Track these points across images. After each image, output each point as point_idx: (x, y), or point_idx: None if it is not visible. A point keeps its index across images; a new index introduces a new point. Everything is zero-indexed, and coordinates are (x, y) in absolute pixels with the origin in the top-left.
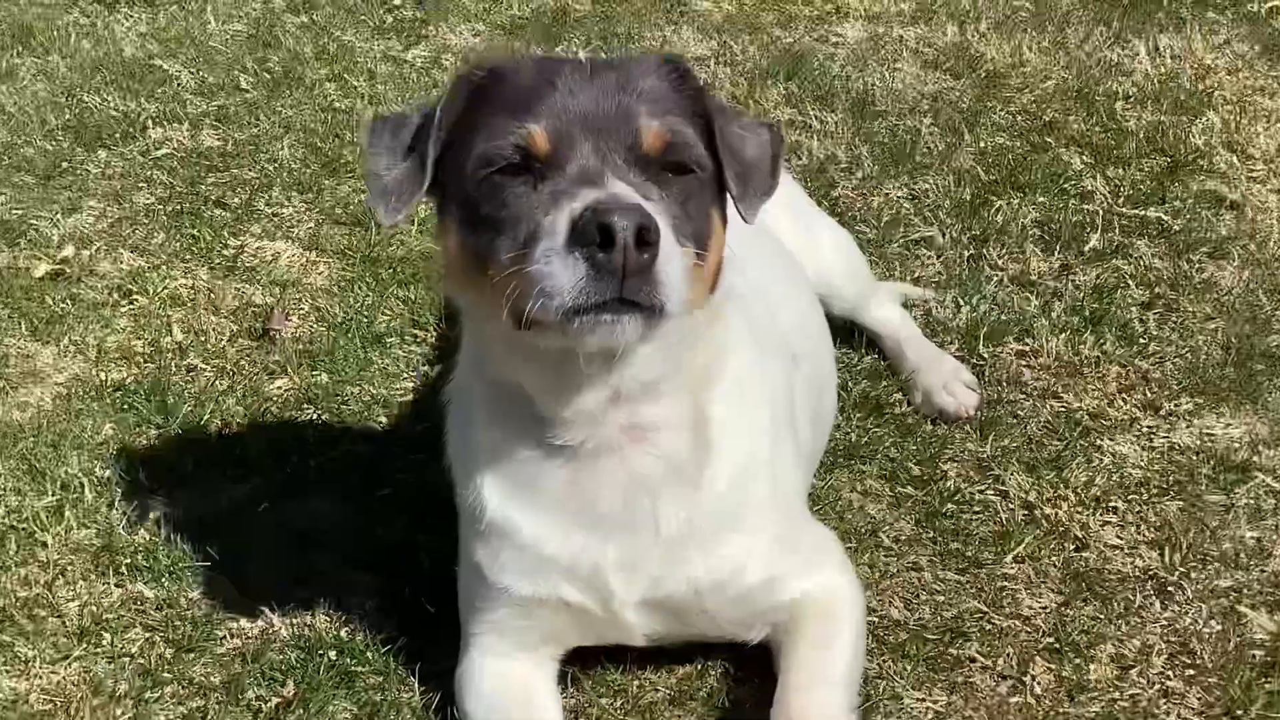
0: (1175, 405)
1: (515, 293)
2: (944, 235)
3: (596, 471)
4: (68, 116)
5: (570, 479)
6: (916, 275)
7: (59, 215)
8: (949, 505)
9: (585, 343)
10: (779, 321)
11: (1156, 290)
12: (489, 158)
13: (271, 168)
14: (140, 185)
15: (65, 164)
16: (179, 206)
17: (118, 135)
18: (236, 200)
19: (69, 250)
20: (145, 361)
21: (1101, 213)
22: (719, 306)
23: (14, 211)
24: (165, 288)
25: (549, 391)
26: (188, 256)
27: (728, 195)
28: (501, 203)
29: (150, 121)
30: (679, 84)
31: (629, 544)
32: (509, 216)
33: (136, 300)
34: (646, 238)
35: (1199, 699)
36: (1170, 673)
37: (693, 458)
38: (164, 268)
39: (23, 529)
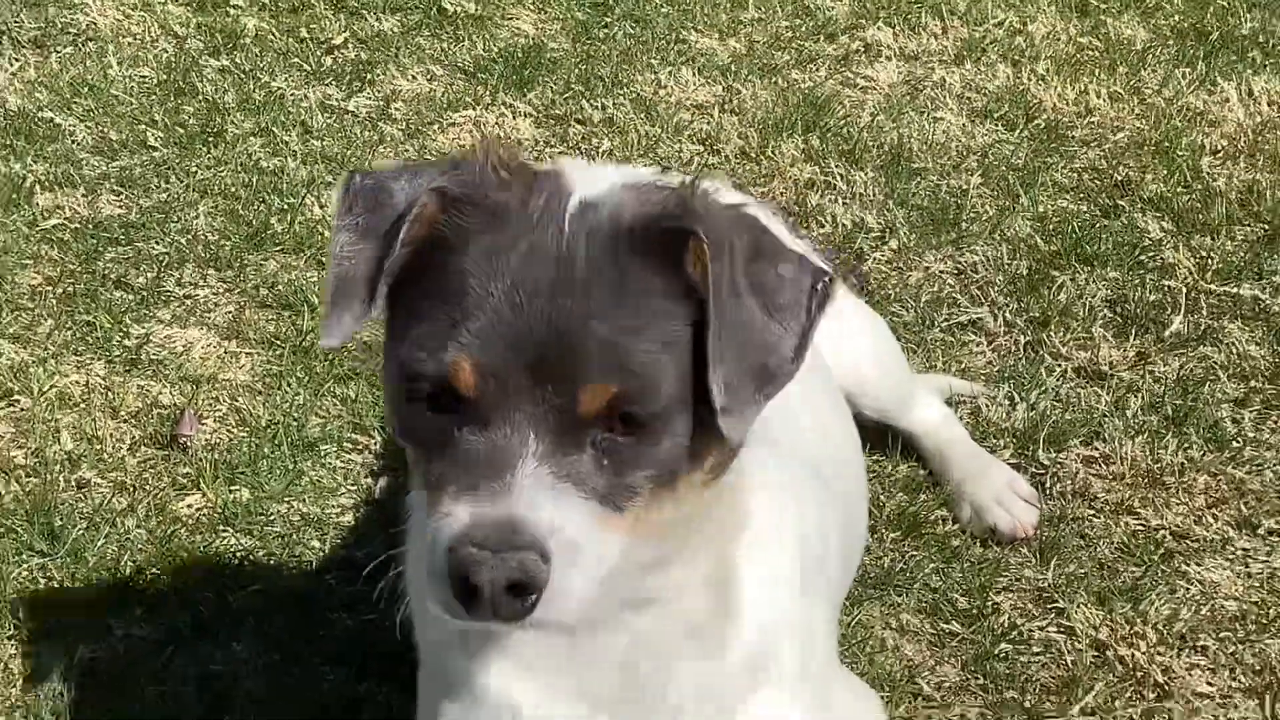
0: (1276, 523)
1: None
2: (996, 318)
3: (592, 639)
4: None
5: (563, 647)
6: (963, 366)
7: None
8: (1003, 645)
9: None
10: (799, 430)
11: (1253, 383)
12: (411, 374)
13: (184, 241)
14: (25, 262)
15: None
16: (71, 288)
17: None
18: (141, 280)
19: None
20: (28, 475)
21: (1185, 290)
22: (735, 476)
23: None
24: (53, 385)
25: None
26: (81, 348)
27: None
28: (418, 426)
29: (38, 186)
30: (670, 253)
31: (630, 715)
32: (417, 436)
33: (18, 401)
34: (523, 590)
35: None
36: None
37: (713, 619)
38: (52, 361)
39: None
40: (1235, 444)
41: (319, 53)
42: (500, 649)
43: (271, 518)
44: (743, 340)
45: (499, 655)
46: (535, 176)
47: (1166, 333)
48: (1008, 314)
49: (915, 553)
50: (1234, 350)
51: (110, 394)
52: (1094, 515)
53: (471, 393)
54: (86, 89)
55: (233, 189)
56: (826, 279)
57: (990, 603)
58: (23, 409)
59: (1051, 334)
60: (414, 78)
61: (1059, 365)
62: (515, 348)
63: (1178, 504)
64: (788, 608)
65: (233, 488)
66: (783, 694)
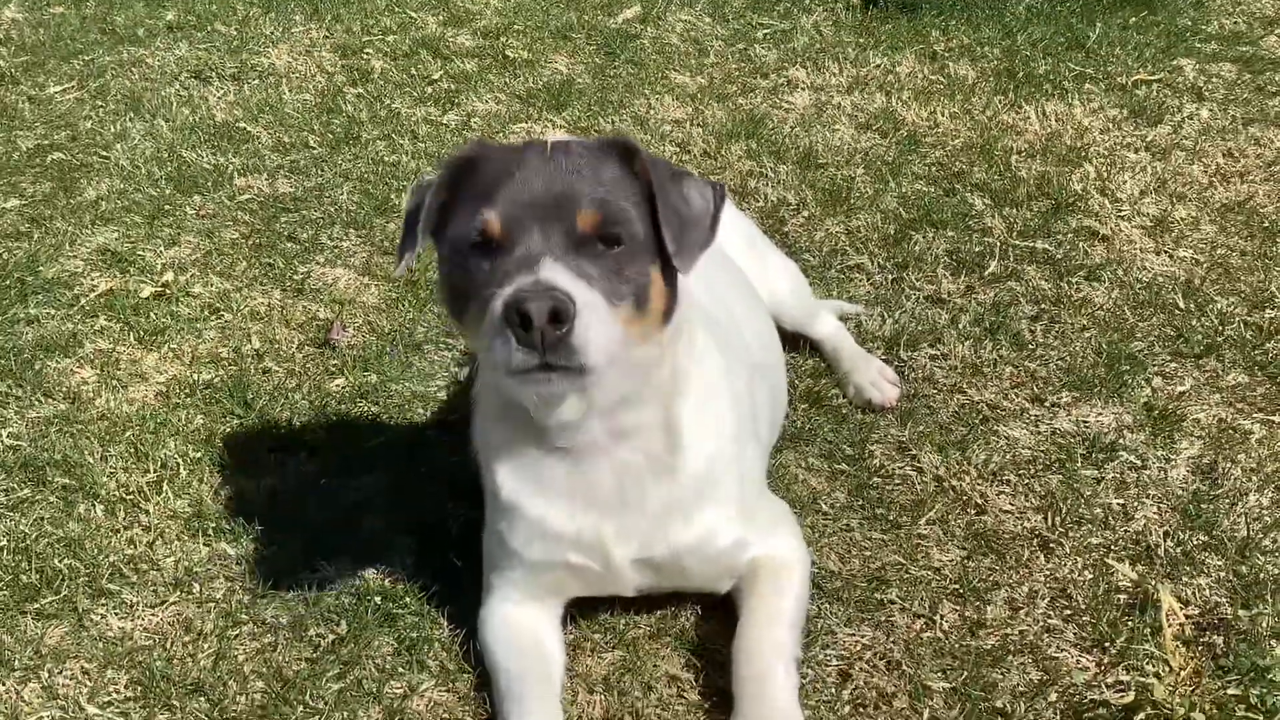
0: (1057, 398)
1: (479, 348)
2: (873, 262)
3: (589, 467)
4: (169, 169)
5: (569, 472)
6: (851, 294)
7: (161, 247)
8: (875, 479)
9: (526, 395)
10: (743, 335)
11: (1042, 306)
12: (458, 240)
13: (333, 209)
14: (227, 224)
15: (167, 207)
16: (258, 241)
17: (209, 184)
18: (305, 235)
19: (169, 276)
20: (230, 365)
21: (999, 244)
22: (675, 334)
23: (126, 244)
24: (246, 306)
25: (536, 408)
26: (265, 281)
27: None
28: (468, 274)
29: (236, 173)
30: (623, 162)
31: (622, 520)
32: (473, 285)
33: (223, 316)
34: (560, 317)
35: (1075, 634)
36: (1052, 613)
37: (667, 453)
38: (245, 290)
39: (129, 500)
40: (1030, 346)
41: (423, 84)
42: (531, 480)
43: (391, 394)
44: (679, 212)
45: (531, 485)
46: (517, 144)
47: (986, 272)
48: (880, 260)
49: (818, 418)
50: (1030, 284)
51: (284, 311)
52: (936, 393)
53: (499, 234)
54: (268, 108)
55: (366, 175)
56: (720, 185)
57: (867, 451)
58: (226, 321)
59: (910, 273)
60: (486, 101)
61: (914, 294)
62: (528, 204)
63: (992, 386)
64: (725, 447)
65: (365, 373)
66: (723, 507)
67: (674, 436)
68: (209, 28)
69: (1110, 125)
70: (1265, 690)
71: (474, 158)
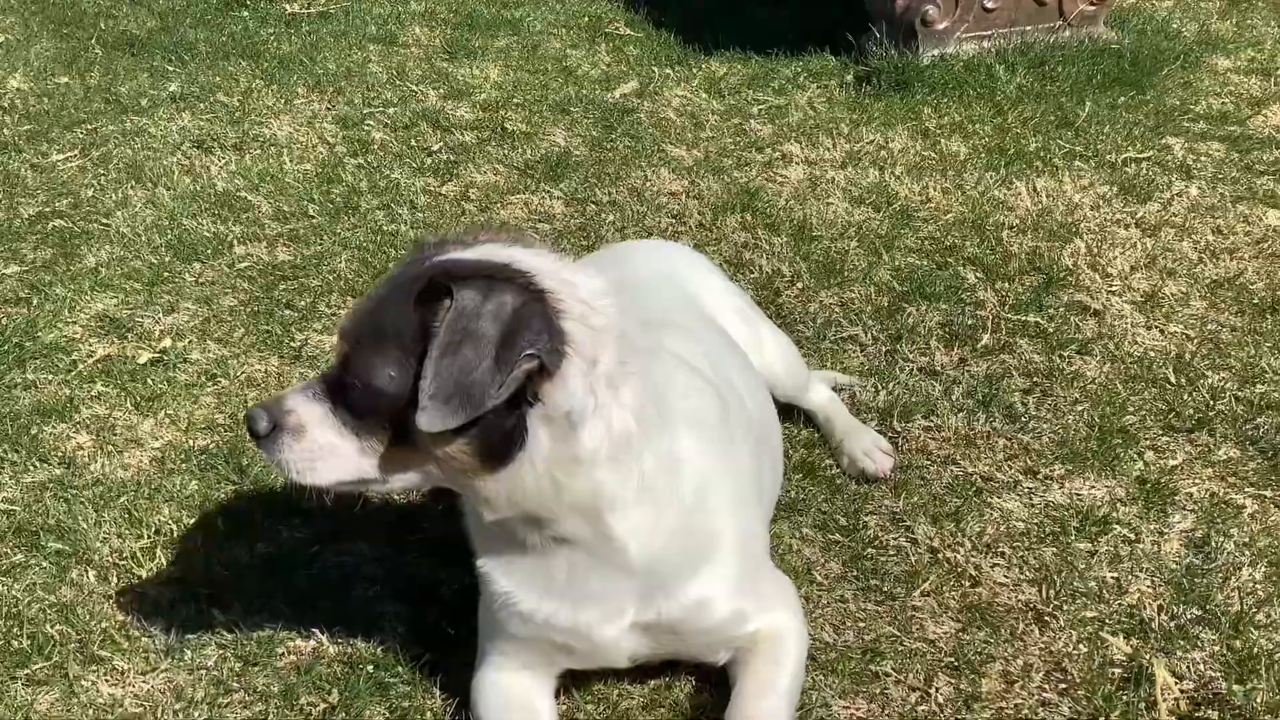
0: (1050, 471)
1: None
2: (867, 334)
3: (546, 562)
4: (169, 237)
5: (531, 563)
6: (844, 365)
7: (160, 314)
8: (869, 550)
9: None
10: (745, 406)
11: (1035, 379)
12: None
13: (332, 277)
14: (226, 291)
15: (166, 274)
16: (256, 308)
17: (209, 252)
18: (303, 303)
19: (167, 342)
20: (225, 431)
21: (991, 317)
22: (566, 465)
23: (124, 310)
24: (243, 372)
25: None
26: (262, 348)
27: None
28: None
29: (236, 241)
30: (430, 308)
31: (597, 606)
32: None
33: (220, 382)
34: (251, 428)
35: (1070, 708)
36: (1046, 686)
37: (614, 556)
38: (243, 356)
39: (122, 565)
40: (1023, 418)
41: (422, 155)
42: (504, 569)
43: None
44: (453, 369)
45: (501, 571)
46: (458, 242)
47: (979, 345)
48: (874, 332)
49: (812, 488)
50: (1022, 357)
51: (281, 377)
52: (930, 464)
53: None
54: (269, 177)
55: (365, 244)
56: (540, 360)
57: (861, 521)
58: (223, 387)
59: (903, 345)
60: (485, 172)
61: (908, 365)
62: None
63: (985, 458)
64: (715, 525)
65: None
66: (720, 579)
67: (611, 543)
68: (211, 98)
69: (1100, 202)
70: None
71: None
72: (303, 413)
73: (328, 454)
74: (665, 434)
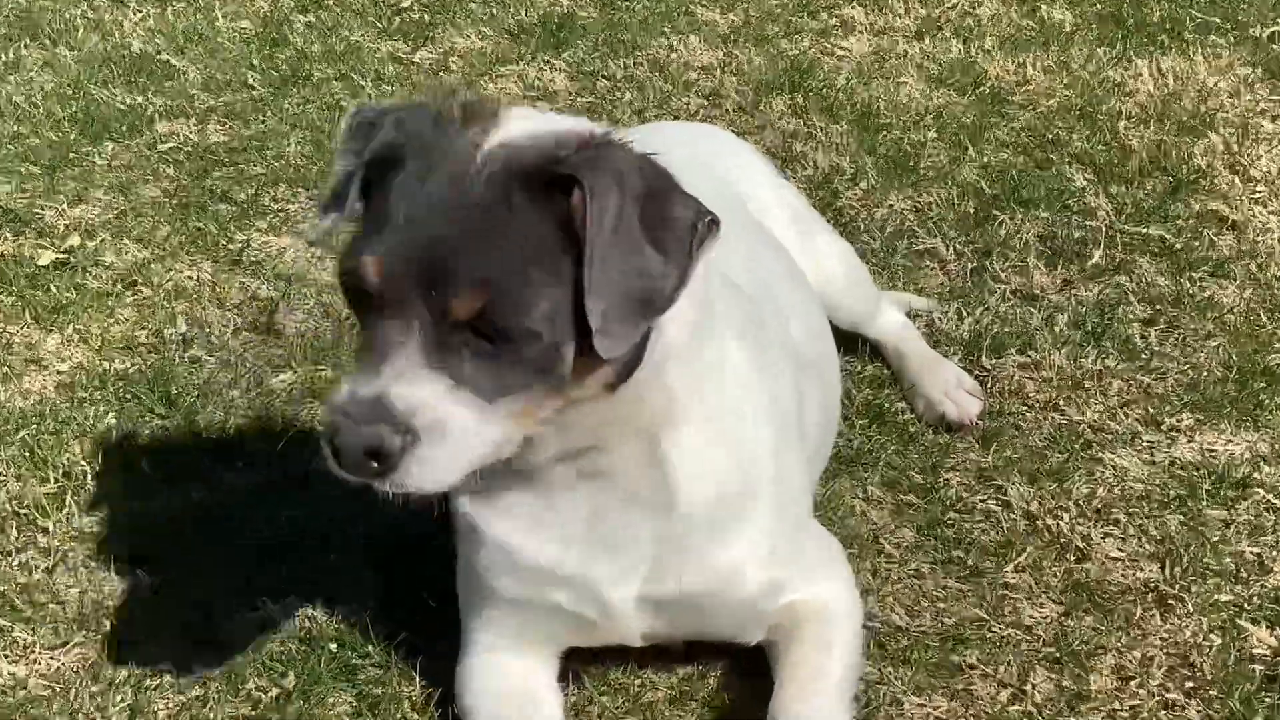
0: (1177, 421)
1: None
2: (948, 248)
3: (561, 501)
4: (74, 109)
5: (539, 503)
6: (920, 286)
7: (65, 205)
8: (951, 514)
9: None
10: (789, 330)
11: (1158, 307)
12: (340, 278)
13: (278, 164)
14: (146, 178)
15: (71, 155)
16: (184, 200)
17: (124, 128)
18: (242, 195)
19: (74, 240)
20: (149, 352)
21: (1104, 229)
22: (657, 370)
23: (19, 201)
24: (170, 280)
25: None
26: (193, 249)
27: None
28: (351, 313)
29: (157, 116)
30: (549, 199)
31: (613, 556)
32: (355, 327)
33: (141, 291)
34: (378, 455)
35: (1199, 712)
36: (1170, 685)
37: (653, 491)
38: (168, 260)
39: (24, 515)
40: (1143, 355)
41: (390, 13)
42: (499, 512)
43: None
44: (624, 272)
45: (495, 512)
46: (478, 117)
47: (1088, 264)
48: (957, 245)
49: (879, 437)
50: (1143, 280)
51: (217, 288)
52: (1026, 410)
53: (372, 289)
54: (197, 37)
55: (318, 123)
56: (708, 220)
57: (941, 479)
58: (144, 298)
59: (993, 262)
60: (468, 36)
61: (999, 288)
62: (409, 255)
63: (1095, 403)
64: (755, 471)
65: (318, 367)
66: (752, 541)
67: (662, 474)
68: None
69: (1242, 87)
70: None
71: (412, 132)
72: (434, 402)
73: (468, 442)
74: (713, 340)
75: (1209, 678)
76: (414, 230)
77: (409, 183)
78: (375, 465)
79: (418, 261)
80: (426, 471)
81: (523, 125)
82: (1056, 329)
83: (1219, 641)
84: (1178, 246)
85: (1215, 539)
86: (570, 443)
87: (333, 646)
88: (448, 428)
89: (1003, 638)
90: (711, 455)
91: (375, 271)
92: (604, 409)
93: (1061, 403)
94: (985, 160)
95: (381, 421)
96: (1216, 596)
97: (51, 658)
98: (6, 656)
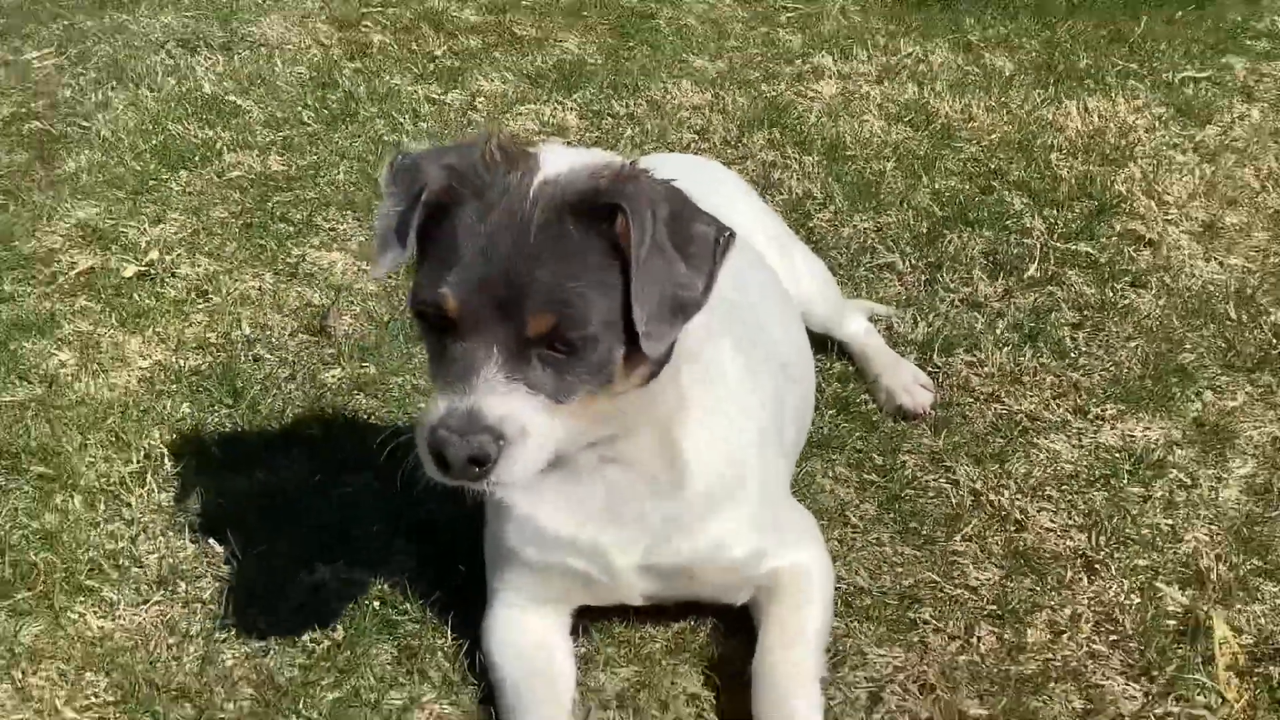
0: (1101, 410)
1: None
2: (904, 262)
3: (581, 482)
4: (154, 142)
5: (561, 482)
6: (881, 295)
7: (146, 225)
8: (907, 491)
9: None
10: (771, 335)
11: (1085, 313)
12: (419, 308)
13: (329, 189)
14: (216, 202)
15: (152, 182)
16: (249, 221)
17: (197, 159)
18: (298, 216)
19: (154, 255)
20: (218, 351)
21: (1039, 246)
22: (674, 370)
23: (107, 221)
24: (236, 289)
25: None
26: (256, 263)
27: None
28: (425, 340)
29: (225, 148)
30: (600, 222)
31: (621, 531)
32: (429, 350)
33: (211, 299)
34: (481, 461)
35: (1121, 660)
36: (1096, 638)
37: (664, 475)
38: (235, 272)
39: (110, 491)
40: (1073, 354)
41: (425, 60)
42: (525, 492)
43: (390, 387)
44: (661, 283)
45: (523, 491)
46: (519, 158)
47: (1025, 275)
48: (912, 259)
49: (846, 424)
50: (1072, 289)
51: (276, 296)
52: (972, 402)
53: (453, 316)
54: (259, 80)
55: (364, 154)
56: (727, 234)
57: (899, 461)
58: (214, 304)
59: (944, 274)
60: (492, 80)
61: (949, 296)
62: (483, 287)
63: (1032, 395)
64: (743, 456)
65: (363, 365)
66: (739, 516)
67: (674, 458)
68: None
69: (1156, 124)
70: None
71: (465, 175)
72: (518, 410)
73: (546, 439)
74: (712, 344)
75: (1130, 632)
76: (485, 264)
77: (471, 222)
78: (477, 470)
79: (493, 291)
80: (516, 469)
81: (558, 161)
82: (998, 332)
83: (1138, 600)
84: (1102, 261)
85: (1135, 512)
86: (602, 431)
87: (375, 604)
88: (531, 430)
89: (952, 597)
90: (712, 443)
91: (456, 302)
92: (635, 401)
93: (1003, 395)
94: (936, 187)
95: (481, 432)
96: (1136, 562)
97: (134, 614)
98: (95, 612)
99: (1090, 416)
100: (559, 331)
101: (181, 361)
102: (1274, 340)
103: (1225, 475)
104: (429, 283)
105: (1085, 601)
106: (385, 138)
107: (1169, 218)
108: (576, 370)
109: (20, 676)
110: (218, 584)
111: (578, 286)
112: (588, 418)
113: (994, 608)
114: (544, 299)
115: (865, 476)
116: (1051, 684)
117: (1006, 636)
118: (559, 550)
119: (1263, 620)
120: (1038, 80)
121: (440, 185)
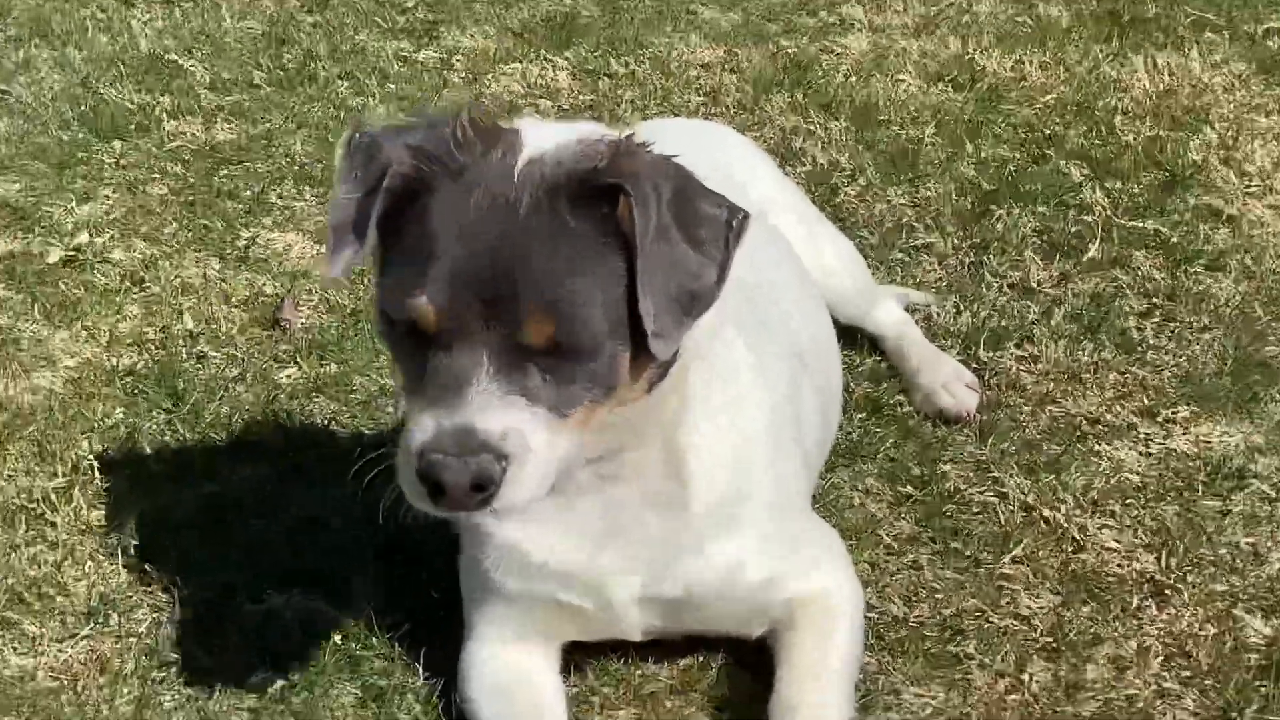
0: (1173, 413)
1: None
2: (946, 242)
3: (573, 505)
4: (83, 108)
5: (557, 505)
6: (918, 280)
7: (73, 203)
8: (948, 505)
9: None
10: (790, 326)
11: (1154, 300)
12: (388, 314)
13: (284, 162)
14: (154, 176)
15: (81, 154)
16: (192, 198)
17: (133, 127)
18: (249, 193)
19: (83, 237)
20: (157, 348)
21: (1100, 224)
22: (680, 373)
23: (28, 199)
24: (177, 276)
25: None
26: (200, 247)
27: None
28: (396, 350)
29: (165, 115)
30: (591, 209)
31: (621, 552)
32: (401, 362)
33: (149, 288)
34: (483, 485)
35: (1195, 700)
36: (1166, 674)
37: (669, 489)
38: (176, 257)
39: (32, 509)
40: (1139, 349)
41: (395, 13)
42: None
43: (354, 388)
44: (669, 274)
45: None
46: (497, 135)
47: (1084, 258)
48: (955, 239)
49: (878, 429)
50: (1139, 273)
51: (223, 284)
52: (1024, 403)
53: (434, 329)
54: (204, 37)
55: (324, 121)
56: (740, 216)
57: (939, 471)
58: (152, 294)
59: (990, 256)
60: (472, 36)
61: (996, 281)
62: (469, 288)
63: (1092, 396)
64: (753, 467)
65: (323, 362)
66: (751, 536)
67: (678, 471)
68: None
69: (1236, 82)
70: None
71: (436, 157)
72: (519, 426)
73: (550, 456)
74: (721, 338)
75: (1205, 667)
76: (468, 259)
77: (447, 211)
78: (479, 497)
79: (480, 293)
80: (520, 492)
81: (541, 137)
82: (1053, 322)
83: (1214, 631)
84: (1173, 240)
85: (1211, 530)
86: (604, 445)
87: (337, 639)
88: (534, 447)
89: (1000, 628)
90: (721, 452)
91: (438, 309)
92: (639, 409)
93: (1058, 395)
94: (982, 156)
95: (481, 452)
96: (1212, 586)
97: (59, 650)
98: (15, 649)
99: (1160, 420)
100: (559, 335)
101: (114, 360)
102: None
103: None
104: (401, 286)
105: (1154, 632)
106: (349, 102)
107: (1250, 190)
108: (579, 378)
109: None
110: (155, 615)
111: (577, 282)
112: (590, 431)
113: (1048, 640)
114: (540, 298)
115: (900, 489)
116: None
117: (1062, 673)
118: (548, 582)
119: None
120: (1099, 32)
121: (406, 168)
